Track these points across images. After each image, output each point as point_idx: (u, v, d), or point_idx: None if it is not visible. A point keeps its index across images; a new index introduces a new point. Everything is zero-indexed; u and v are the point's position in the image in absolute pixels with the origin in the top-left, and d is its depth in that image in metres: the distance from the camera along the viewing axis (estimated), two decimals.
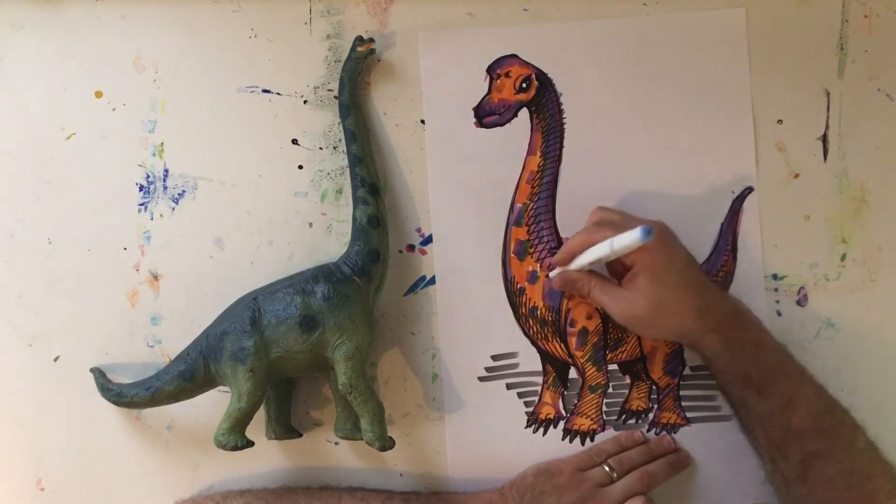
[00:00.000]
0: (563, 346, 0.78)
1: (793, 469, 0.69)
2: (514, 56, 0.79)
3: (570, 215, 0.78)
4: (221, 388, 0.74)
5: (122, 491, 0.78)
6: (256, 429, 0.74)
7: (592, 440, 0.78)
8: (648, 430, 0.78)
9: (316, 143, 0.79)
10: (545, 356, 0.78)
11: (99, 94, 0.80)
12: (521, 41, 0.79)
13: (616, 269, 0.74)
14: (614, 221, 0.71)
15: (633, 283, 0.71)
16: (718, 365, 0.71)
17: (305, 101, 0.79)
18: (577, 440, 0.78)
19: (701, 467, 0.77)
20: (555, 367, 0.78)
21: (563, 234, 0.78)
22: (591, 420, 0.78)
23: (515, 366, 0.78)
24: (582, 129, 0.78)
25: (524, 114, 0.79)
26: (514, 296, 0.78)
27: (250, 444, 0.71)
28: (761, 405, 0.70)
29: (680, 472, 0.76)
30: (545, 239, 0.78)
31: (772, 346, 0.72)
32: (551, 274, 0.77)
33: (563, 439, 0.78)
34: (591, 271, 0.74)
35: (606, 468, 0.74)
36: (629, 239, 0.65)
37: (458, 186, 0.79)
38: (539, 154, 0.78)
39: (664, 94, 0.79)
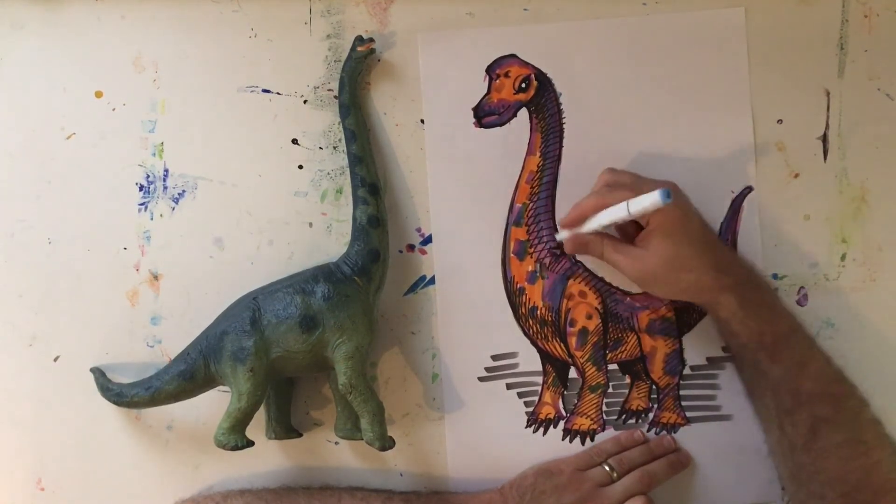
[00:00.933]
0: (562, 346, 0.78)
1: (800, 435, 0.69)
2: (513, 56, 0.79)
3: None
4: (221, 387, 0.74)
5: (122, 491, 0.78)
6: (256, 429, 0.74)
7: (592, 440, 0.78)
8: (648, 430, 0.78)
9: (316, 143, 0.79)
10: (545, 356, 0.78)
11: (99, 94, 0.80)
12: (521, 41, 0.79)
13: (626, 230, 0.74)
14: (626, 183, 0.72)
15: (648, 241, 0.71)
16: (733, 325, 0.71)
17: (305, 101, 0.79)
18: (577, 440, 0.78)
19: (701, 467, 0.77)
20: (555, 367, 0.78)
21: None
22: (591, 420, 0.78)
23: (515, 366, 0.78)
24: (581, 129, 0.78)
25: (524, 114, 0.79)
26: (514, 296, 0.78)
27: (250, 444, 0.71)
28: (774, 368, 0.70)
29: (680, 472, 0.76)
30: (545, 239, 0.78)
31: (785, 311, 0.72)
32: (559, 236, 0.76)
33: (563, 439, 0.78)
34: (600, 233, 0.74)
35: (607, 468, 0.74)
36: (648, 201, 0.66)
37: (458, 186, 0.79)
38: (538, 154, 0.78)
39: (664, 93, 0.78)
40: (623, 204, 0.68)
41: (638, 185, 0.71)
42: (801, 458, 0.70)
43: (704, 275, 0.70)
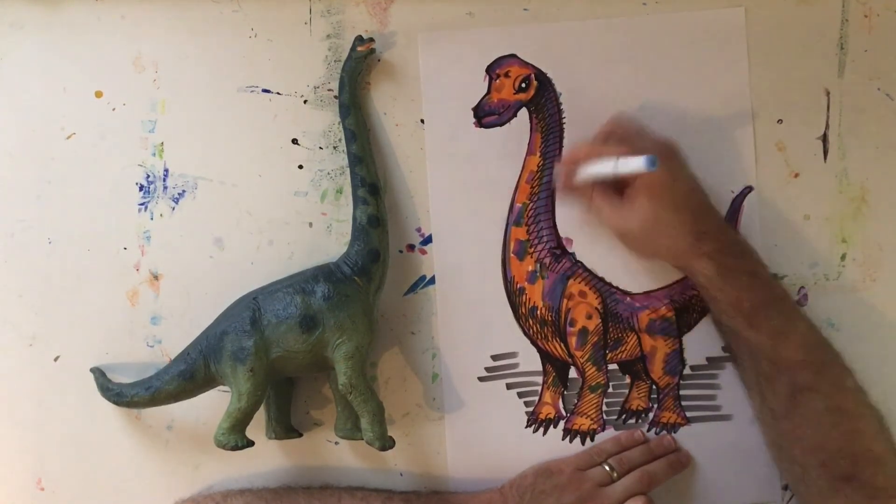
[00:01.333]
0: (563, 345, 0.78)
1: (781, 403, 0.70)
2: (513, 56, 0.79)
3: (570, 215, 0.78)
4: (221, 387, 0.74)
5: (122, 491, 0.78)
6: (256, 429, 0.74)
7: (592, 440, 0.78)
8: (648, 430, 0.78)
9: (316, 142, 0.79)
10: (545, 356, 0.78)
11: (99, 94, 0.80)
12: (521, 41, 0.79)
13: (619, 183, 0.73)
14: (625, 137, 0.72)
15: (632, 199, 0.71)
16: (711, 291, 0.71)
17: (305, 101, 0.79)
18: (577, 440, 0.78)
19: (701, 467, 0.77)
20: (555, 367, 0.78)
21: (562, 235, 0.78)
22: (591, 420, 0.78)
23: (515, 366, 0.78)
24: (581, 129, 0.78)
25: (524, 114, 0.79)
26: (514, 296, 0.78)
27: (250, 443, 0.71)
28: (752, 334, 0.70)
29: (680, 472, 0.76)
30: (545, 239, 0.78)
31: (766, 279, 0.72)
32: (555, 171, 0.77)
33: (563, 439, 0.78)
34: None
35: (607, 468, 0.74)
36: (635, 164, 0.66)
37: (458, 186, 0.79)
38: (539, 154, 0.78)
39: (664, 94, 0.78)
40: (612, 160, 0.69)
41: (635, 141, 0.71)
42: (782, 425, 0.70)
43: (681, 240, 0.70)
